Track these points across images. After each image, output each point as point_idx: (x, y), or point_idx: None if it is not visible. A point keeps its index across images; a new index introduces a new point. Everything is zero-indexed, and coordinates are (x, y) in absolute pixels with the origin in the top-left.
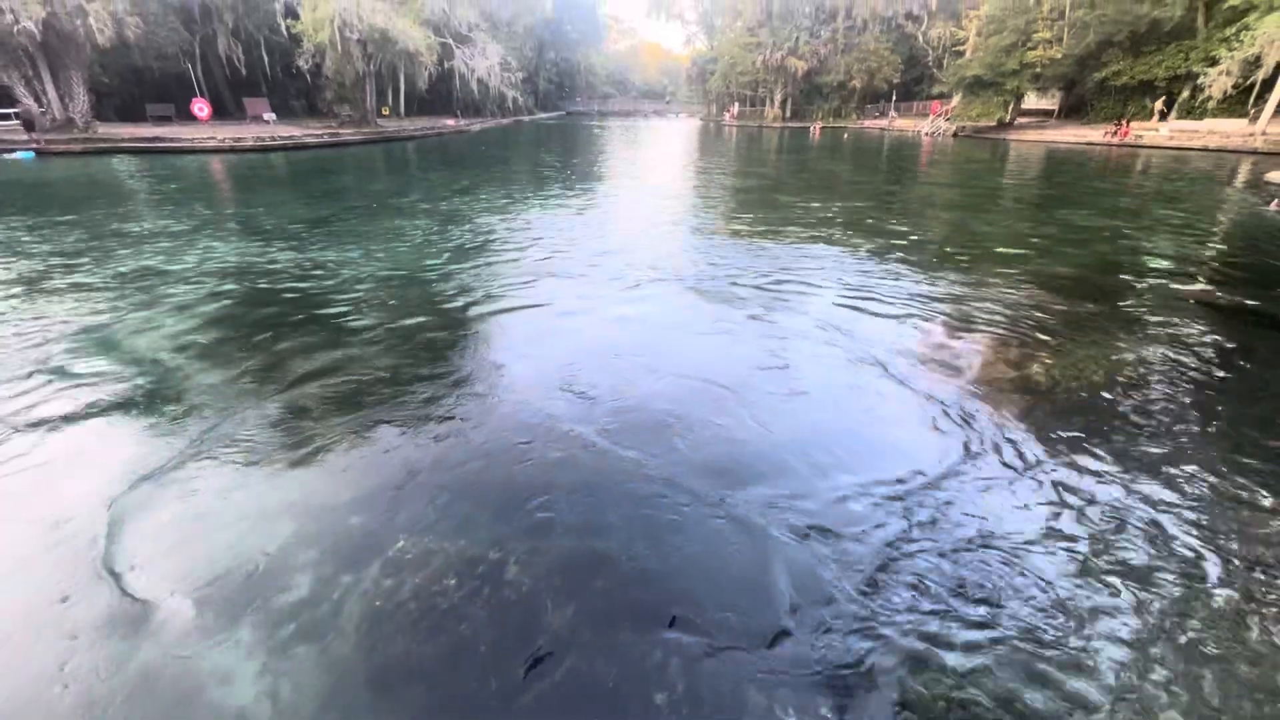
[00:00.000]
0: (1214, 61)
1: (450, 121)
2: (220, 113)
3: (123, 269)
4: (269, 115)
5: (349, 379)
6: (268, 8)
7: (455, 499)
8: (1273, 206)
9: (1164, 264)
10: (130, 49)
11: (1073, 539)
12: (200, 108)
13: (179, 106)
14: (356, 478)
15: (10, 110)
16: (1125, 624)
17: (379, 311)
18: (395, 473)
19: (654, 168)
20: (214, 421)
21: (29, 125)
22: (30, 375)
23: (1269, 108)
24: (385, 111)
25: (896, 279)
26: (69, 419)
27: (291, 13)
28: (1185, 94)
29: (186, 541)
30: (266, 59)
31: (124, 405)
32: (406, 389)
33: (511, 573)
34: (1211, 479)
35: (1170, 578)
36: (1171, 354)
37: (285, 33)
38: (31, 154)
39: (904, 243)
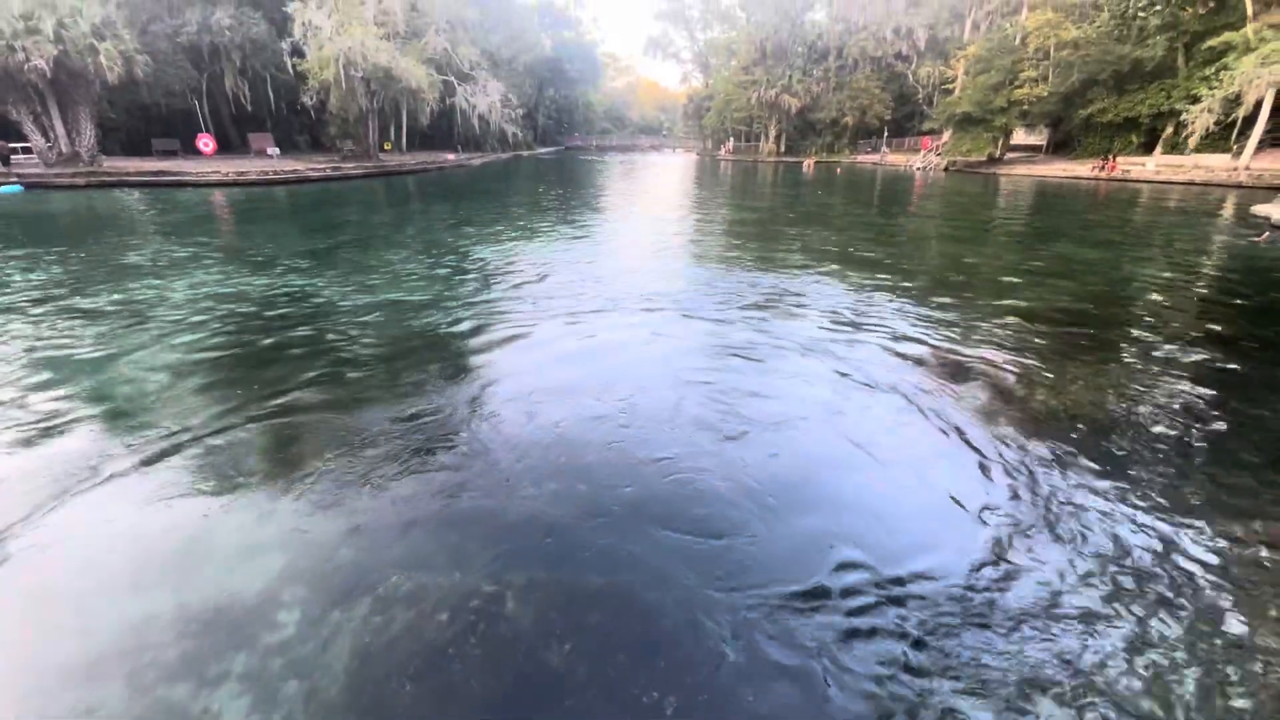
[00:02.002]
0: (1195, 99)
1: (450, 156)
2: (225, 147)
3: (115, 299)
4: (273, 150)
5: (341, 411)
6: (275, 47)
7: (449, 532)
8: (1262, 239)
9: (1157, 296)
10: (139, 86)
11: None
12: (205, 143)
13: (184, 141)
14: (348, 511)
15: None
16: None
17: (373, 343)
18: (387, 506)
19: (652, 201)
20: (203, 453)
21: (4, 159)
22: (10, 406)
23: (1251, 143)
24: (387, 146)
25: (893, 311)
26: (50, 447)
27: (298, 52)
28: (1169, 130)
29: (173, 576)
30: (272, 96)
31: (111, 435)
32: (399, 421)
33: (507, 608)
34: (1224, 514)
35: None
36: (1170, 386)
37: (291, 71)
38: (20, 188)
39: (900, 275)
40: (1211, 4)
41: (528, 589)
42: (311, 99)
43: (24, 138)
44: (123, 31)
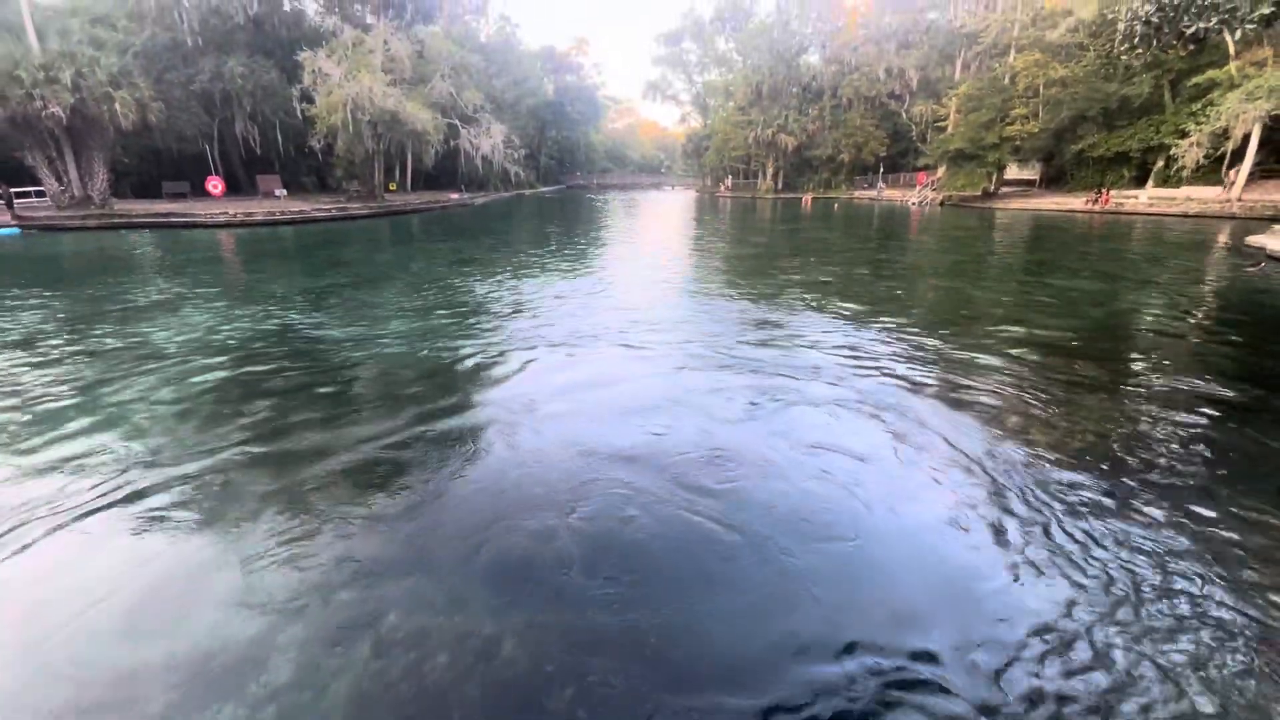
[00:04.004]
0: (1184, 134)
1: (454, 195)
2: (234, 189)
3: (113, 337)
4: (280, 191)
5: (339, 448)
6: (285, 93)
7: (448, 573)
8: (1257, 269)
9: (1158, 327)
10: (152, 131)
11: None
12: (214, 185)
13: (194, 183)
14: (345, 551)
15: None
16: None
17: (372, 380)
18: (385, 546)
19: (653, 237)
20: (198, 490)
21: (9, 203)
22: (9, 447)
23: (1242, 175)
24: (392, 187)
25: (893, 345)
26: (41, 483)
27: (307, 97)
28: (1160, 163)
29: (164, 617)
30: (281, 139)
31: (103, 473)
32: (397, 458)
33: (507, 651)
34: (1234, 540)
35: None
36: (1177, 418)
37: (300, 115)
38: (17, 230)
39: (899, 308)
40: (1192, 46)
41: (528, 630)
42: (319, 142)
43: (37, 181)
44: (138, 80)
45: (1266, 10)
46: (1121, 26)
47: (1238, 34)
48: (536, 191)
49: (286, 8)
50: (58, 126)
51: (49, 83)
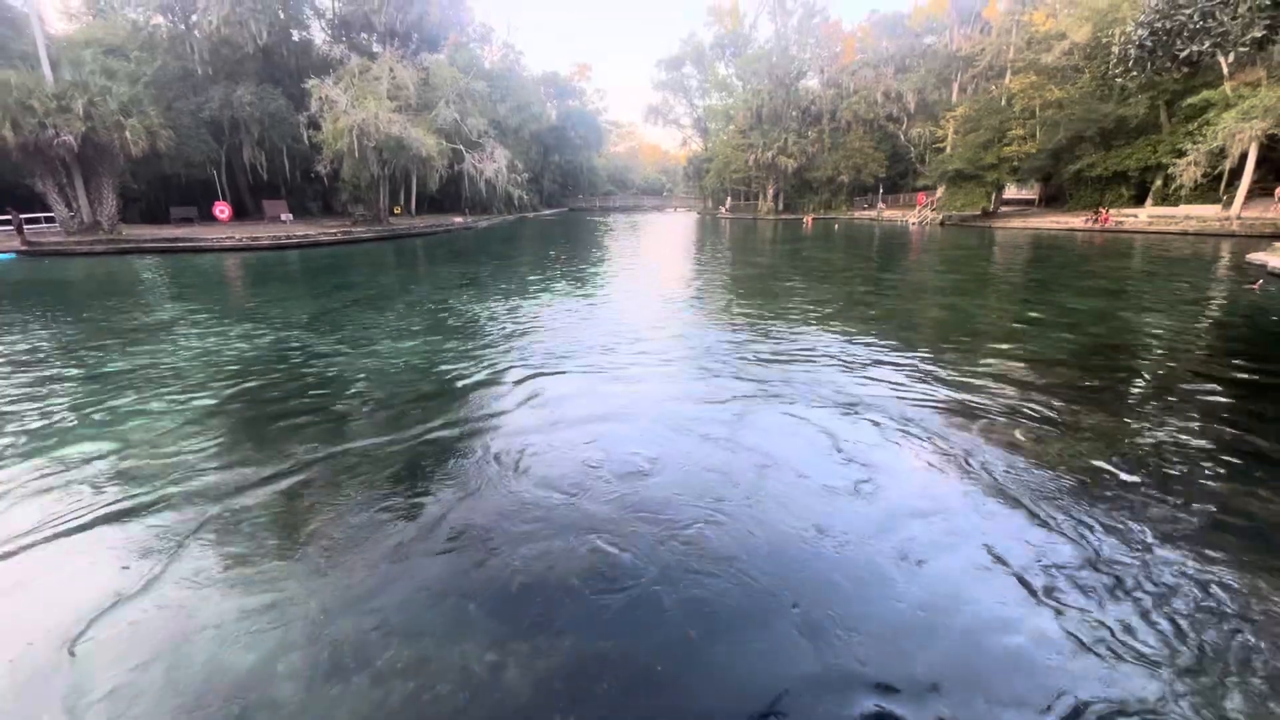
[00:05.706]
0: (1181, 153)
1: (458, 219)
2: (240, 214)
3: (116, 362)
4: (286, 216)
5: (339, 474)
6: (292, 120)
7: (450, 600)
8: (1256, 286)
9: (1160, 344)
10: (160, 158)
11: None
12: (221, 210)
13: (201, 208)
14: (345, 579)
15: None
16: None
17: (375, 405)
18: (386, 573)
19: (654, 258)
20: (196, 519)
21: (18, 227)
22: (8, 470)
23: (1240, 193)
24: (397, 210)
25: (898, 363)
26: (37, 506)
27: (314, 124)
28: (1159, 182)
29: (161, 647)
30: (287, 165)
31: (105, 500)
32: (398, 483)
33: (509, 679)
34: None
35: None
36: (1184, 433)
37: (306, 141)
38: (13, 255)
39: (903, 326)
40: (1186, 68)
41: (531, 657)
42: (325, 167)
43: (47, 207)
44: (149, 108)
45: (1258, 34)
46: (1115, 50)
47: (1231, 56)
48: (539, 214)
49: (295, 38)
50: (69, 154)
51: (61, 111)
